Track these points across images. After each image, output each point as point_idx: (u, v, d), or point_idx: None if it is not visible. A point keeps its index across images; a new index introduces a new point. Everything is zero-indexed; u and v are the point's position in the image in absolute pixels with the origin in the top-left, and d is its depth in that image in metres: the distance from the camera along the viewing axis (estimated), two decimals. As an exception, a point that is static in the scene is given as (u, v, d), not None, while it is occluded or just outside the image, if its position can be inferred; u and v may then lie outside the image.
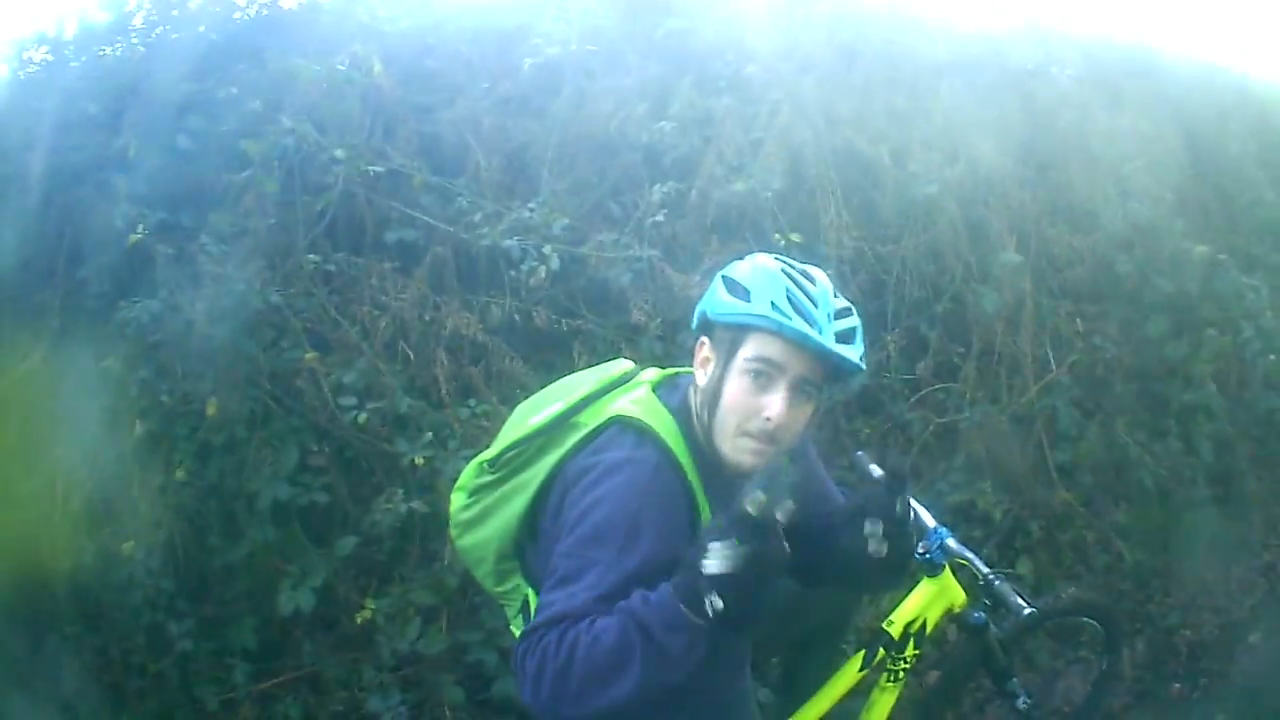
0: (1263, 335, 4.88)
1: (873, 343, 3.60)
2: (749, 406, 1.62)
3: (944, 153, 4.15)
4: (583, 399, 1.75)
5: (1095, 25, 5.78)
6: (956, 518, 3.52)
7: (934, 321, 3.87)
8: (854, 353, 1.65)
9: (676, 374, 1.89)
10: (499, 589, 1.88)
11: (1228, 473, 4.45)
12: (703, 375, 1.70)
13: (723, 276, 1.71)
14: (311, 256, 3.35)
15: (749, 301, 1.62)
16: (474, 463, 1.87)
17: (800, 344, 1.59)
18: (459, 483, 1.92)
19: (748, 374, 1.62)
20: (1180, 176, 5.25)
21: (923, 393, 3.77)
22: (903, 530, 1.65)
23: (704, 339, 1.73)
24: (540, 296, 3.41)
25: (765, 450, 1.62)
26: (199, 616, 3.14)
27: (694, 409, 1.72)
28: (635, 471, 1.58)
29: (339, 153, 3.44)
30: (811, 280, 1.69)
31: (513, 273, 3.40)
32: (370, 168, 3.48)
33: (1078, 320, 4.12)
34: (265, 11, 4.21)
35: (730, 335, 1.65)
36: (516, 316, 3.38)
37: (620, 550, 1.50)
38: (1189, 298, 4.55)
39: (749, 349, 1.62)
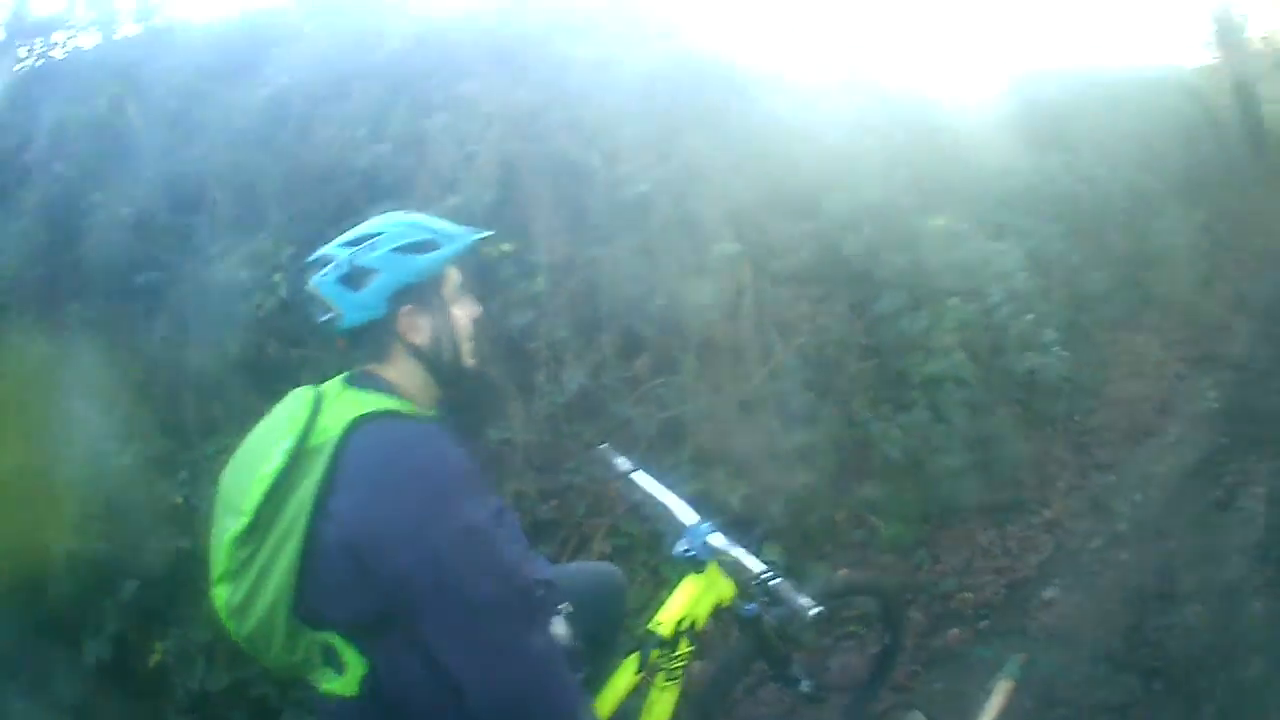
0: (1015, 298, 6.41)
1: (588, 344, 4.68)
2: (474, 317, 2.40)
3: (658, 152, 5.29)
4: (304, 426, 2.13)
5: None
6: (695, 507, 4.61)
7: (650, 318, 4.93)
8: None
9: (348, 376, 2.37)
10: (293, 659, 2.16)
11: (988, 437, 5.85)
12: (421, 335, 2.32)
13: (396, 250, 2.30)
14: (75, 305, 4.23)
15: (442, 246, 2.34)
16: (224, 547, 2.10)
17: (473, 249, 2.41)
18: (214, 576, 2.15)
19: (462, 298, 2.39)
20: (916, 154, 6.81)
21: (643, 389, 4.80)
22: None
23: (407, 308, 2.30)
24: (271, 327, 4.32)
25: None
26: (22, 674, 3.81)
27: (415, 373, 2.34)
28: (420, 445, 2.14)
29: (97, 197, 4.34)
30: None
31: (245, 305, 4.33)
32: (122, 210, 4.39)
33: (802, 303, 5.38)
34: (40, 62, 5.11)
35: (432, 284, 2.33)
36: (251, 349, 4.29)
37: (475, 496, 2.11)
38: (926, 270, 5.95)
39: (452, 280, 2.37)
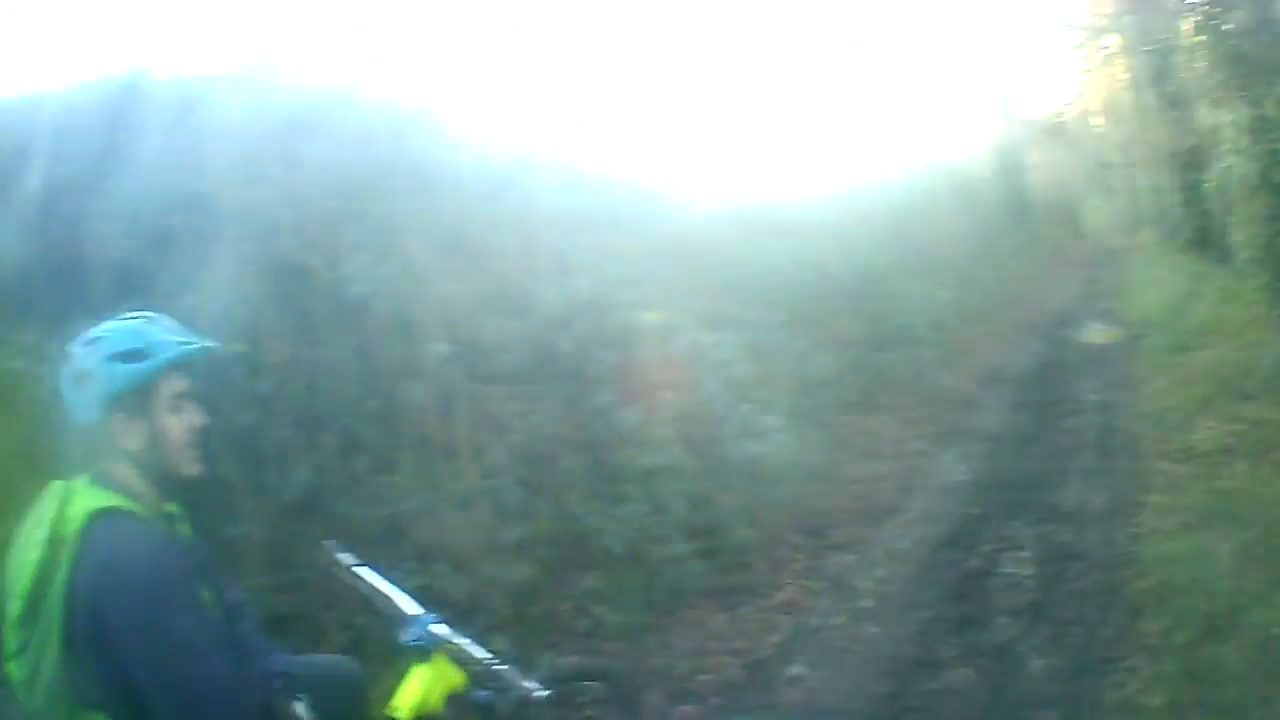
0: (732, 387, 7.13)
1: (311, 443, 5.06)
2: (190, 426, 2.65)
3: (376, 253, 5.73)
4: (55, 517, 2.42)
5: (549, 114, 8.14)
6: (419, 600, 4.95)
7: (368, 418, 5.37)
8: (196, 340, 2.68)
9: (92, 471, 2.61)
10: None
11: (711, 525, 6.52)
12: (134, 442, 2.58)
13: (109, 357, 2.53)
14: None
15: (152, 356, 2.55)
16: (9, 628, 2.39)
17: (190, 359, 2.65)
18: (6, 654, 2.41)
19: (182, 406, 2.64)
20: (634, 252, 7.49)
21: (363, 487, 5.21)
22: None
23: (120, 415, 2.56)
24: (43, 419, 4.49)
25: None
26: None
27: (135, 475, 2.60)
28: (135, 552, 2.39)
29: None
30: (147, 317, 2.66)
31: (20, 395, 4.58)
32: None
33: (514, 402, 5.93)
34: None
35: (142, 393, 2.56)
36: (24, 440, 4.41)
37: (182, 609, 2.39)
38: (639, 365, 6.63)
39: (167, 389, 2.60)
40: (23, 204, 5.40)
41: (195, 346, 2.70)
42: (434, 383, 5.54)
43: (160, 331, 2.64)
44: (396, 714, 3.02)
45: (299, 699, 2.85)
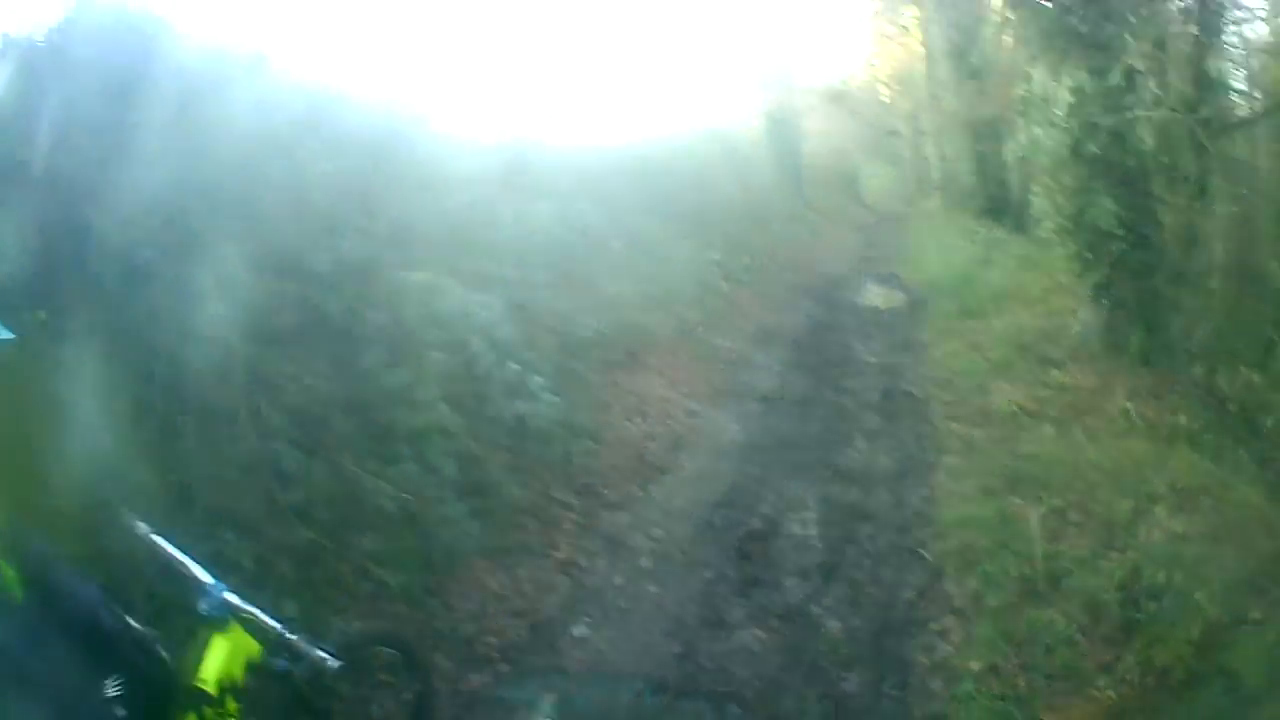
0: (497, 347, 7.75)
1: (106, 411, 5.15)
2: None
3: (161, 218, 5.94)
4: None
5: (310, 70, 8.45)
6: (212, 568, 4.35)
7: (154, 382, 5.63)
8: None
9: None
10: None
11: (482, 485, 7.14)
12: None
13: None
14: None
15: None
16: None
17: None
18: None
19: None
20: (400, 213, 7.97)
21: (155, 454, 5.40)
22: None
23: None
24: None
25: None
26: None
27: None
28: None
29: None
30: None
31: None
32: None
33: (287, 364, 6.33)
34: None
35: None
36: None
37: None
38: (406, 325, 7.20)
39: None
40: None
41: None
42: (212, 346, 5.86)
43: None
44: (204, 688, 3.29)
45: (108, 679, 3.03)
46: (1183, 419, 8.35)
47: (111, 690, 2.92)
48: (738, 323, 15.83)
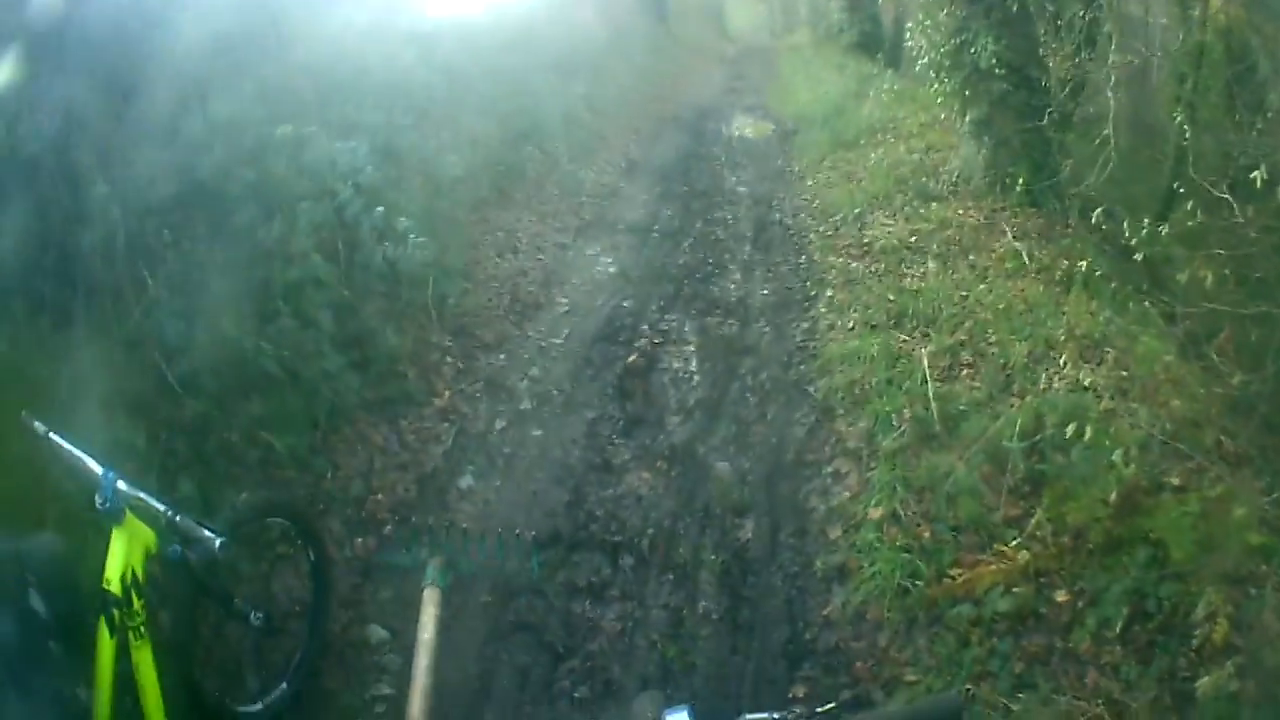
0: (364, 192, 7.76)
1: (3, 312, 5.26)
2: None
3: (45, 108, 5.78)
4: None
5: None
6: (111, 456, 4.23)
7: (46, 274, 5.59)
8: None
9: None
10: None
11: (359, 335, 7.14)
12: None
13: None
14: None
15: None
16: None
17: None
18: None
19: None
20: (266, 69, 7.85)
21: (48, 345, 5.40)
22: None
23: None
24: None
25: None
26: None
27: None
28: None
29: None
30: None
31: None
32: None
33: (164, 231, 6.22)
34: None
35: None
36: None
37: None
38: (275, 180, 7.11)
39: None
40: None
41: None
42: (97, 227, 5.81)
43: None
44: (110, 588, 3.33)
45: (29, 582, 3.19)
46: (1077, 263, 8.03)
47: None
48: (605, 155, 16.00)
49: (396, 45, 10.91)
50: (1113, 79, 10.07)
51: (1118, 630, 4.60)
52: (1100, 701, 4.31)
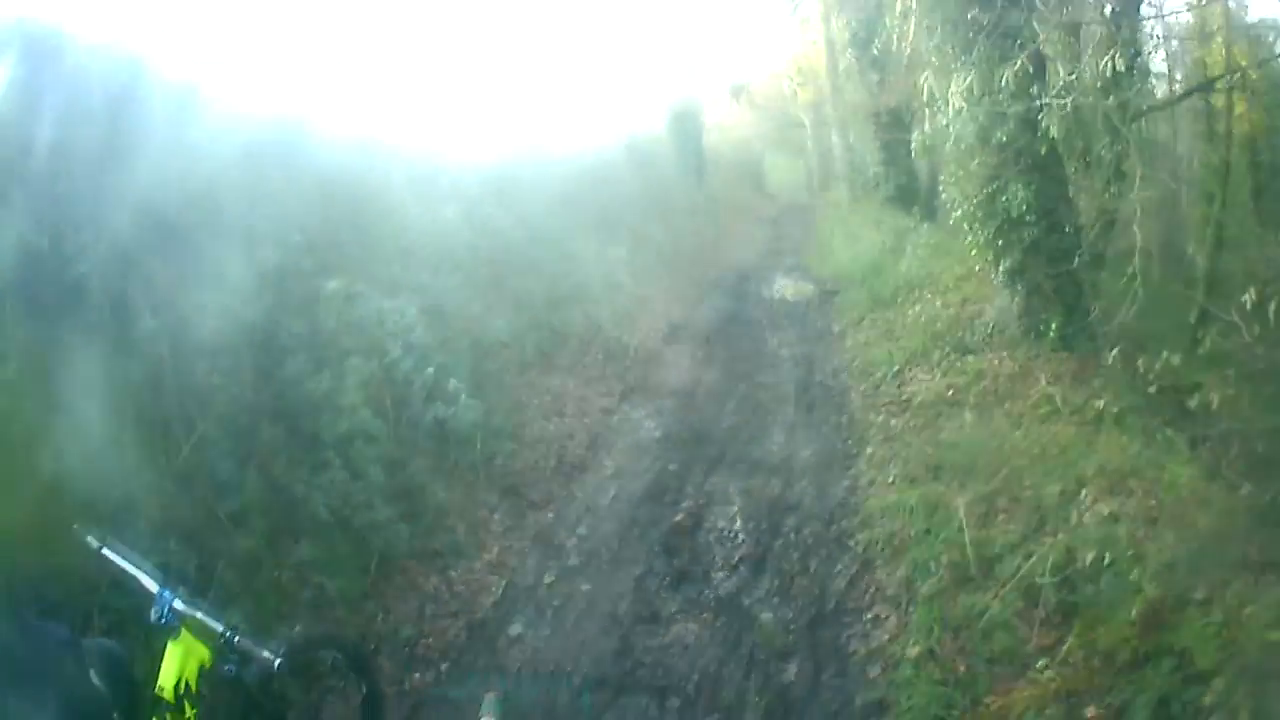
0: (414, 351, 8.07)
1: (49, 428, 5.42)
2: None
3: (91, 232, 6.14)
4: None
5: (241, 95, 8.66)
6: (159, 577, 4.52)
7: (96, 397, 5.69)
8: None
9: None
10: None
11: (408, 489, 7.45)
12: None
13: None
14: None
15: None
16: None
17: None
18: None
19: None
20: (312, 220, 8.26)
21: (97, 467, 5.47)
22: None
23: None
24: None
25: None
26: None
27: None
28: None
29: None
30: None
31: None
32: None
33: (215, 375, 6.54)
34: None
35: None
36: None
37: None
38: (325, 333, 7.48)
39: None
40: None
41: None
42: (143, 359, 6.11)
43: None
44: (163, 694, 3.42)
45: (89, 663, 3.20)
46: (1108, 402, 8.34)
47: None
48: (647, 319, 16.17)
49: (437, 202, 11.34)
50: (1139, 212, 10.29)
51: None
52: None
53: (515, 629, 6.83)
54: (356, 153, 9.70)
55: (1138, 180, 10.61)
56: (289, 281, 7.54)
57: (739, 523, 8.39)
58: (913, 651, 5.98)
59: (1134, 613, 5.34)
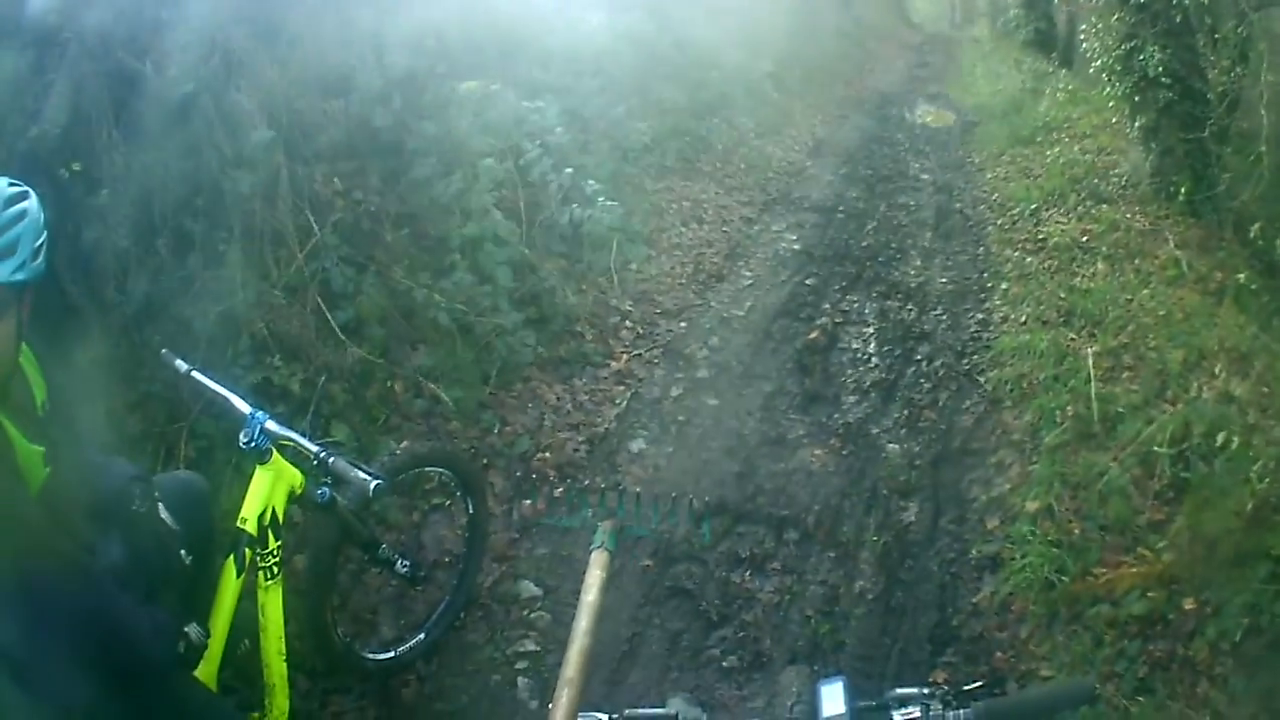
0: (552, 153, 7.54)
1: (148, 250, 5.18)
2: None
3: (199, 53, 5.74)
4: None
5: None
6: (259, 397, 4.36)
7: (197, 214, 5.52)
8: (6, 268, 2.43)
9: None
10: None
11: (537, 293, 7.00)
12: None
13: None
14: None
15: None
16: None
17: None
18: None
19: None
20: (449, 27, 7.61)
21: (196, 286, 5.35)
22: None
23: None
24: None
25: None
26: None
27: None
28: None
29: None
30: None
31: None
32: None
33: (335, 180, 6.15)
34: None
35: None
36: None
37: None
38: (458, 135, 6.97)
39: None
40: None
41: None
42: (258, 170, 5.68)
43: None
44: (245, 526, 3.24)
45: (159, 501, 3.06)
46: (1230, 277, 7.98)
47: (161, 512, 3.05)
48: (791, 133, 15.69)
49: (581, 9, 10.75)
50: (1265, 97, 9.65)
51: (1233, 643, 4.43)
52: (1208, 714, 4.23)
53: (637, 444, 6.40)
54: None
55: (1264, 67, 9.89)
56: (420, 84, 6.98)
57: (873, 345, 7.97)
58: (1032, 506, 5.63)
59: (1244, 505, 4.92)
